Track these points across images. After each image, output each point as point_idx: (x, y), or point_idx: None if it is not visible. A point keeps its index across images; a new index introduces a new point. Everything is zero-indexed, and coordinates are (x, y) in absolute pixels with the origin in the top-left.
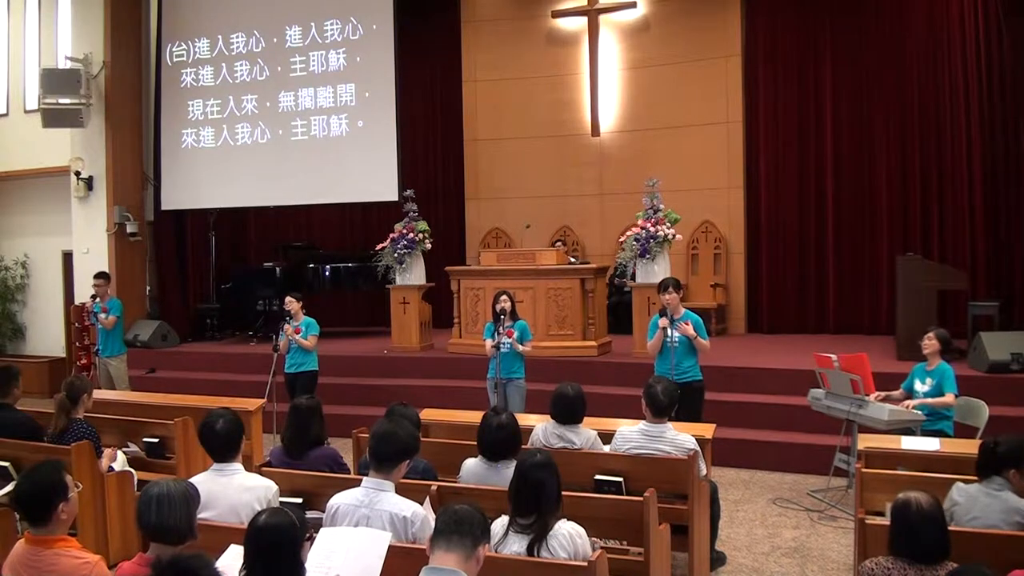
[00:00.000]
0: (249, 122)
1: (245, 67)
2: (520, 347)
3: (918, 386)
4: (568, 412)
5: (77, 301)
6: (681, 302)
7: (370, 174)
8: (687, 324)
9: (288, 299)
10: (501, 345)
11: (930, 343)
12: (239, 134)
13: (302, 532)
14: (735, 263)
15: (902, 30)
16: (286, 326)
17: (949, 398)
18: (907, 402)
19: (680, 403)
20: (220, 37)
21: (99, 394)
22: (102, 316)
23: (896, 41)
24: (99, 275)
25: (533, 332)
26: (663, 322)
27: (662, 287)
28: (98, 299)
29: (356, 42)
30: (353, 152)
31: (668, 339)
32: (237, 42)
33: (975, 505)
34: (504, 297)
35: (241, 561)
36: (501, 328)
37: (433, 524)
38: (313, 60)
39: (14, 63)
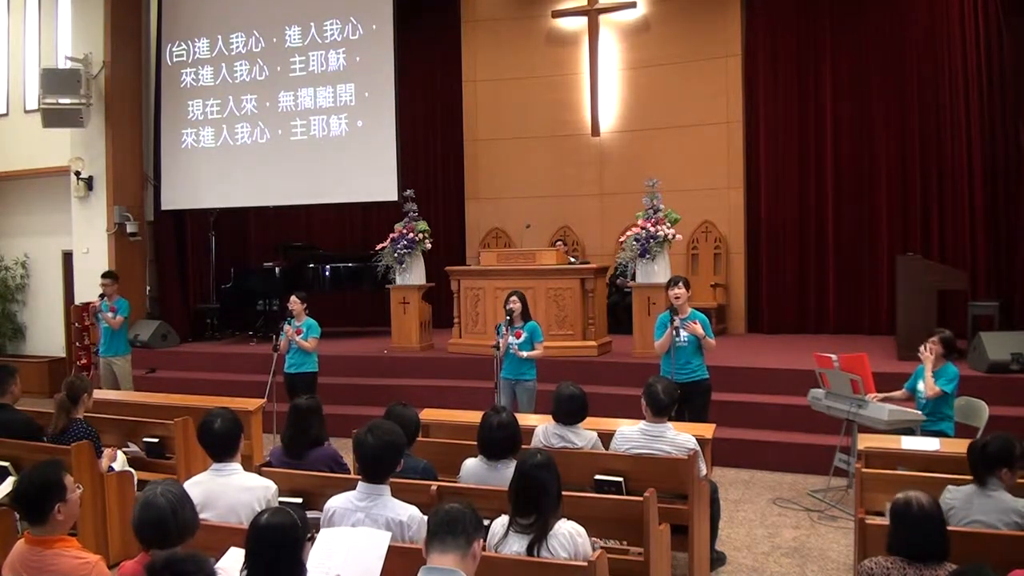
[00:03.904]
0: (249, 122)
1: (245, 67)
2: (522, 353)
3: (921, 387)
4: (568, 412)
5: (77, 301)
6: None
7: (370, 174)
8: (695, 323)
9: (292, 299)
10: (508, 346)
11: (934, 347)
12: (239, 134)
13: (304, 532)
14: (735, 263)
15: (902, 30)
16: (286, 327)
17: (936, 390)
18: (917, 385)
19: (686, 401)
20: (220, 37)
21: (99, 394)
22: (108, 315)
23: (896, 41)
24: (107, 275)
25: None
26: (675, 321)
27: (672, 282)
28: (106, 299)
29: (356, 42)
30: (353, 152)
31: (676, 338)
32: (237, 42)
33: (971, 507)
34: (514, 298)
35: (241, 563)
36: (507, 328)
37: None
38: (313, 60)
39: (14, 63)
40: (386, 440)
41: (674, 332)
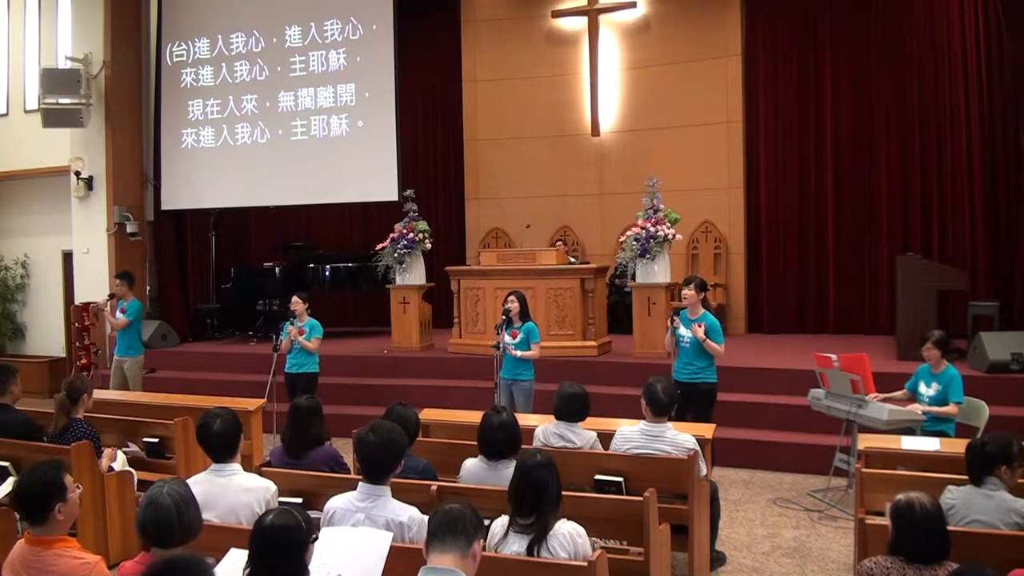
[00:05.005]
0: (249, 122)
1: (245, 67)
2: (516, 353)
3: (923, 389)
4: (570, 411)
5: (77, 301)
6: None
7: (370, 174)
8: (700, 326)
9: (294, 299)
10: (503, 346)
11: (931, 353)
12: (239, 134)
13: (307, 534)
14: (735, 263)
15: (902, 30)
16: (290, 327)
17: (952, 408)
18: (914, 406)
19: (688, 403)
20: (220, 37)
21: (99, 394)
22: (116, 315)
23: (896, 41)
24: (119, 275)
25: None
26: (674, 321)
27: (685, 282)
28: (116, 299)
29: (356, 42)
30: (353, 152)
31: (679, 338)
32: (237, 42)
33: (972, 507)
34: (512, 298)
35: (241, 565)
36: (503, 329)
37: None
38: (313, 60)
39: (14, 63)
40: (387, 440)
41: (674, 331)
